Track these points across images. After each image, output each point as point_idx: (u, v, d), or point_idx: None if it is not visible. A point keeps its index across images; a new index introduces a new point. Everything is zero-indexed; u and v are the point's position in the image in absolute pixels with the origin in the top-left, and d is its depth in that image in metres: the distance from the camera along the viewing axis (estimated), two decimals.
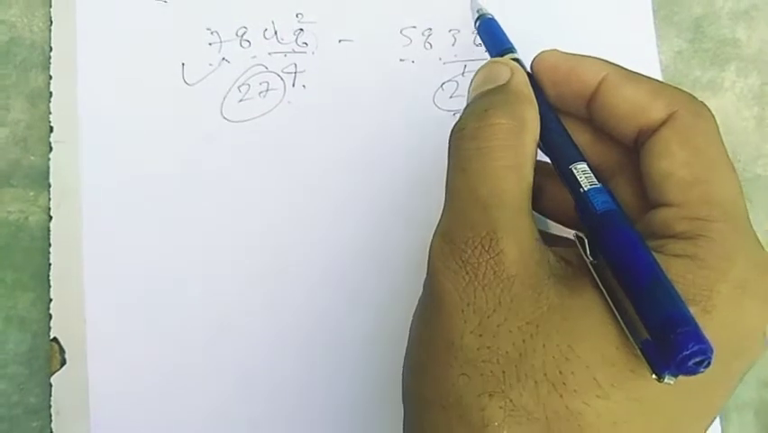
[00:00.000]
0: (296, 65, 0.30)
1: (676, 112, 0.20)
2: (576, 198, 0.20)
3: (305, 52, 0.30)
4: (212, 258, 0.29)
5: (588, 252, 0.18)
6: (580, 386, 0.16)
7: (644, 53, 0.32)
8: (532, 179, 0.20)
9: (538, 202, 0.23)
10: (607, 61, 0.21)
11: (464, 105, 0.31)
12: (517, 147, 0.20)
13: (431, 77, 0.31)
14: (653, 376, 0.16)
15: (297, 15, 0.31)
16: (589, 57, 0.22)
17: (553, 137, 0.21)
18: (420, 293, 0.20)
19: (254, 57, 0.30)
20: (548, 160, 0.22)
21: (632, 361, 0.17)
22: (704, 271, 0.17)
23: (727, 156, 0.20)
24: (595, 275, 0.18)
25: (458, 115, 0.31)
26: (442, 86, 0.31)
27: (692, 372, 0.15)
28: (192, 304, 0.28)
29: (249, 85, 0.30)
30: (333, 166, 0.30)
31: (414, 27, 0.31)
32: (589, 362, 0.17)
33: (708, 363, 0.15)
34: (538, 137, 0.21)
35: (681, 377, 0.16)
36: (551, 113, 0.22)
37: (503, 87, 0.21)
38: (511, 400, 0.17)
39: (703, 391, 0.18)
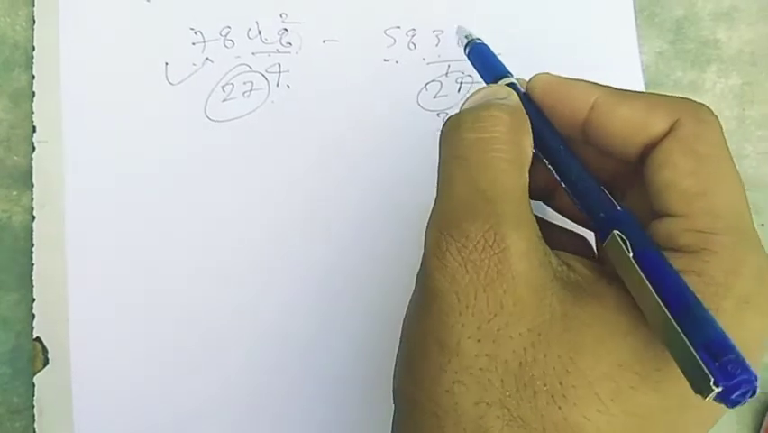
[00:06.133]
0: (280, 65, 0.30)
1: (678, 120, 0.19)
2: (594, 220, 0.19)
3: (289, 52, 0.30)
4: (196, 257, 0.29)
5: (629, 248, 0.17)
6: (581, 400, 0.16)
7: (626, 54, 0.32)
8: (528, 182, 0.19)
9: (551, 200, 0.23)
10: (597, 85, 0.20)
11: (447, 105, 0.32)
12: (517, 143, 0.19)
13: (415, 77, 0.31)
14: (697, 393, 0.15)
15: (281, 15, 0.31)
16: (580, 81, 0.21)
17: (559, 155, 0.20)
18: (405, 289, 0.19)
19: (238, 57, 0.30)
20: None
21: (633, 378, 0.17)
22: (710, 288, 0.17)
23: (732, 162, 0.19)
24: (639, 271, 0.17)
25: (442, 115, 0.32)
26: (425, 86, 0.31)
27: (736, 403, 0.14)
28: (176, 304, 0.28)
29: (233, 84, 0.30)
30: (317, 166, 0.30)
31: (398, 27, 0.31)
32: (591, 376, 0.16)
33: (754, 393, 0.15)
34: (533, 148, 0.20)
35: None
36: (551, 130, 0.21)
37: (502, 99, 0.21)
38: (509, 410, 0.16)
39: (701, 403, 0.17)
